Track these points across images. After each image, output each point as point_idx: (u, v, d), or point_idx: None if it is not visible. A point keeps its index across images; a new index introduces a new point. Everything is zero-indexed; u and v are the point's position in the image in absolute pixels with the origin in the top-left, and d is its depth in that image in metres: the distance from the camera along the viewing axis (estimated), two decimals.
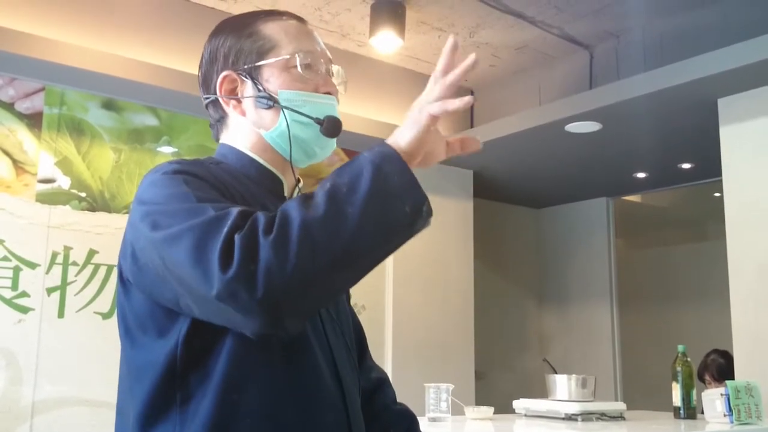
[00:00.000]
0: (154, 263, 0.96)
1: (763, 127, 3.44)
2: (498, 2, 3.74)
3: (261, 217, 0.90)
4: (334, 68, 1.22)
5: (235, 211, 0.92)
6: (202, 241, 0.89)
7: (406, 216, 0.92)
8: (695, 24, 3.78)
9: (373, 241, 0.91)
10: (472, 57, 0.97)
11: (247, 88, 1.16)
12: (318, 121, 1.13)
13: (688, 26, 3.81)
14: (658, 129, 4.08)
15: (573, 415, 2.70)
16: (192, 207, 0.95)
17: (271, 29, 1.18)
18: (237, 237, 0.88)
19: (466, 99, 0.95)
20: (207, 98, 1.22)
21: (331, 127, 1.14)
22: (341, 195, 0.90)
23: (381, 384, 1.35)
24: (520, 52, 4.34)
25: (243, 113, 1.17)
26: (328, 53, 1.22)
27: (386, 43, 3.82)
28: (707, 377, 3.84)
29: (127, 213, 3.53)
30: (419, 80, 4.67)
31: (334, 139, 1.18)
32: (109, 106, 3.59)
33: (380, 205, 0.90)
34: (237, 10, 3.74)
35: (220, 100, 1.18)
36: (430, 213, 0.94)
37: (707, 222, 6.29)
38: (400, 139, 0.96)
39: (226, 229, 0.89)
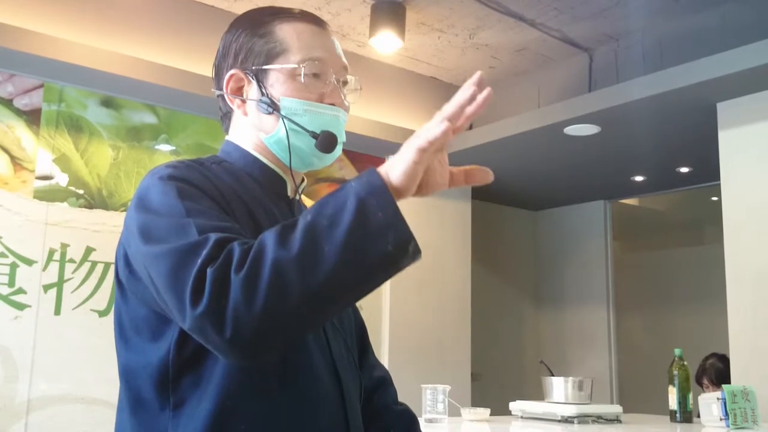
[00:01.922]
0: (144, 273, 0.97)
1: (762, 132, 3.44)
2: (498, 4, 3.74)
3: (236, 250, 0.87)
4: (349, 77, 1.20)
5: (213, 238, 0.89)
6: (177, 269, 0.89)
7: (390, 254, 0.86)
8: (695, 28, 3.78)
9: (352, 279, 0.87)
10: (472, 108, 0.89)
11: (252, 90, 1.15)
12: (313, 134, 1.12)
13: (687, 30, 3.81)
14: (657, 132, 4.08)
15: (569, 417, 2.70)
16: (177, 224, 0.93)
17: (285, 32, 1.15)
18: (209, 271, 0.86)
19: (444, 126, 0.87)
20: (216, 92, 1.22)
21: (325, 142, 1.12)
22: (320, 230, 0.86)
23: (382, 383, 1.34)
24: (520, 54, 4.34)
25: (245, 114, 1.17)
26: (344, 60, 1.20)
27: (386, 44, 3.82)
28: (705, 381, 3.83)
29: (124, 211, 3.52)
30: (419, 81, 4.67)
31: (335, 150, 1.14)
32: (107, 103, 3.58)
33: (361, 243, 0.85)
34: (237, 8, 3.74)
35: (226, 97, 1.18)
36: (417, 251, 0.89)
37: (705, 226, 6.30)
38: (392, 171, 0.90)
39: (200, 261, 0.87)
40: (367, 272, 0.87)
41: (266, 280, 0.84)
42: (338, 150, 1.15)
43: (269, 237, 0.88)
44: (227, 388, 0.97)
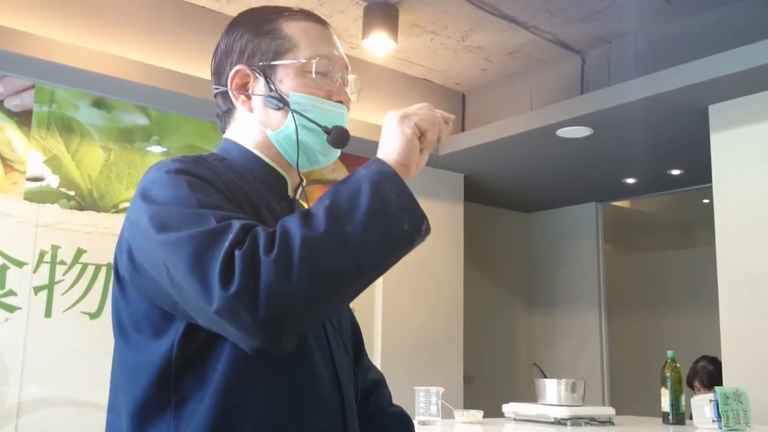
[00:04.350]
0: (154, 264, 0.95)
1: (754, 135, 3.46)
2: (491, 6, 3.75)
3: (261, 234, 0.89)
4: (350, 77, 1.20)
5: (237, 224, 0.90)
6: (201, 253, 0.88)
7: (405, 234, 0.93)
8: (687, 31, 3.79)
9: (373, 259, 0.92)
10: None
11: (259, 86, 1.14)
12: (326, 129, 1.12)
13: (679, 33, 3.82)
14: (649, 135, 4.09)
15: (562, 419, 2.70)
16: (193, 213, 0.93)
17: (292, 29, 1.16)
18: (237, 253, 0.86)
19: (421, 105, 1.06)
20: (216, 89, 1.20)
21: (338, 137, 1.12)
22: (341, 213, 0.90)
23: (377, 386, 1.34)
24: (512, 56, 4.35)
25: (251, 110, 1.16)
26: (346, 59, 1.21)
27: (379, 46, 3.81)
28: (696, 384, 3.84)
29: (116, 212, 3.51)
30: (411, 83, 4.67)
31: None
32: (99, 104, 3.57)
33: (380, 223, 0.91)
34: (229, 10, 3.73)
35: (230, 93, 1.17)
36: (428, 230, 0.97)
37: (696, 228, 6.32)
38: (393, 153, 0.98)
39: (227, 244, 0.87)
40: (386, 251, 0.93)
41: (298, 258, 0.86)
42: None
43: (292, 221, 0.90)
44: (230, 388, 0.96)
